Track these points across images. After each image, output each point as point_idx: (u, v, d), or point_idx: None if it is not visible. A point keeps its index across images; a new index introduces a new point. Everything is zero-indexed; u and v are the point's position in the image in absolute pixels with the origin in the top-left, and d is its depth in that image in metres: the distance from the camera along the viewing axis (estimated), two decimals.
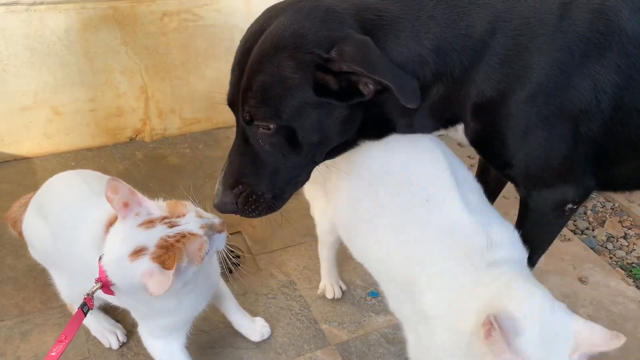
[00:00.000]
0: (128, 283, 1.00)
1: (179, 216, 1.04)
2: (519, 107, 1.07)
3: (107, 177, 1.28)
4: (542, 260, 2.09)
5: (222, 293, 1.32)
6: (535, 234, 1.29)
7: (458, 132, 1.20)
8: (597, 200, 2.55)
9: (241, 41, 1.07)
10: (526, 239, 1.31)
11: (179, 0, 1.80)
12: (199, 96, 2.03)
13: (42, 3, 1.66)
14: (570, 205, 1.20)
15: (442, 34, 1.03)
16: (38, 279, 1.48)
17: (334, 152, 1.14)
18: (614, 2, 1.02)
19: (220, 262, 1.21)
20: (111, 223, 1.09)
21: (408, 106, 0.97)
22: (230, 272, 1.62)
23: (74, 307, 1.35)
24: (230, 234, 1.68)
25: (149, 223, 1.01)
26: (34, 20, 1.68)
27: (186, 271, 1.02)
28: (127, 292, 1.05)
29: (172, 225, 1.02)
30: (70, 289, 1.25)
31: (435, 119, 1.14)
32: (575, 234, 2.31)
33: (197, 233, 1.02)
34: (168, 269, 0.96)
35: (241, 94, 1.04)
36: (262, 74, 1.00)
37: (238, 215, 1.12)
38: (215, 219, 1.10)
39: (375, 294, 1.56)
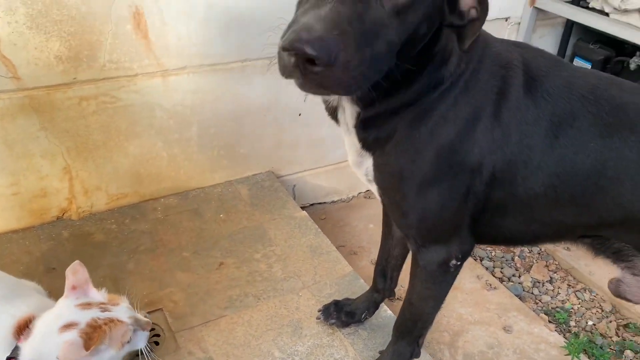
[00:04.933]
0: (44, 354, 1.14)
1: (113, 304, 1.21)
2: (418, 160, 1.15)
3: (13, 278, 1.34)
4: (468, 311, 2.17)
5: None
6: (426, 291, 1.37)
7: (362, 167, 1.26)
8: None
9: None
10: (421, 297, 1.38)
11: (95, 84, 1.86)
12: (124, 172, 2.08)
13: None
14: (454, 262, 1.29)
15: None
16: None
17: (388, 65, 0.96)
18: (513, 73, 1.13)
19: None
20: (20, 328, 1.18)
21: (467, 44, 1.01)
22: (150, 351, 1.64)
23: None
24: (151, 312, 1.71)
25: (87, 305, 1.18)
26: None
27: (103, 353, 1.16)
28: None
29: (104, 310, 1.19)
30: None
31: None
32: (502, 281, 2.39)
33: (125, 321, 1.19)
34: (88, 347, 1.11)
35: None
36: None
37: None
38: (143, 318, 1.29)
39: None
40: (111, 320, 1.17)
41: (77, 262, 1.21)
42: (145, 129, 2.03)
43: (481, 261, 2.49)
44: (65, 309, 1.18)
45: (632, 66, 2.69)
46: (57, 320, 1.15)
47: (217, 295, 1.81)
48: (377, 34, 0.88)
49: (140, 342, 1.25)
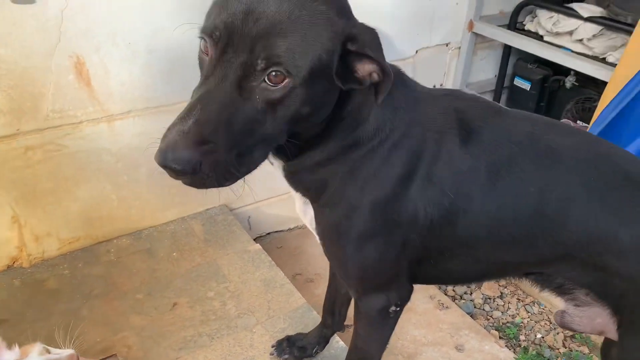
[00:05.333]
0: None
1: (23, 358, 1.22)
2: (353, 216, 1.20)
3: None
4: (421, 332, 2.24)
5: None
6: (369, 336, 1.43)
7: (307, 216, 1.29)
8: None
9: None
10: (364, 341, 1.44)
11: (40, 134, 1.87)
12: (75, 216, 2.08)
13: None
14: (393, 308, 1.34)
15: None
16: None
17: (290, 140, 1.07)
18: (447, 136, 1.17)
19: None
20: None
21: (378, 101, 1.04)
22: None
23: None
24: (104, 358, 1.72)
25: None
26: None
27: None
28: None
29: None
30: None
31: None
32: (454, 300, 2.47)
33: None
34: None
35: (254, 38, 0.91)
36: (303, 23, 0.92)
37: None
38: (64, 352, 1.29)
39: None
40: None
41: None
42: (94, 174, 2.05)
43: None
44: None
45: (568, 84, 2.82)
46: None
47: (171, 337, 1.83)
48: (249, 131, 0.95)
49: None
